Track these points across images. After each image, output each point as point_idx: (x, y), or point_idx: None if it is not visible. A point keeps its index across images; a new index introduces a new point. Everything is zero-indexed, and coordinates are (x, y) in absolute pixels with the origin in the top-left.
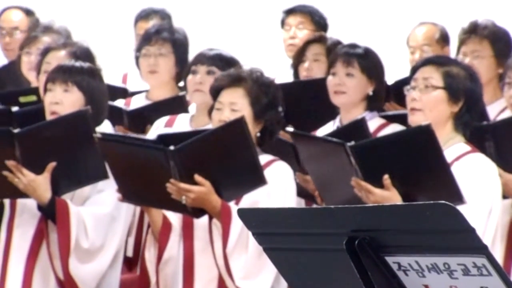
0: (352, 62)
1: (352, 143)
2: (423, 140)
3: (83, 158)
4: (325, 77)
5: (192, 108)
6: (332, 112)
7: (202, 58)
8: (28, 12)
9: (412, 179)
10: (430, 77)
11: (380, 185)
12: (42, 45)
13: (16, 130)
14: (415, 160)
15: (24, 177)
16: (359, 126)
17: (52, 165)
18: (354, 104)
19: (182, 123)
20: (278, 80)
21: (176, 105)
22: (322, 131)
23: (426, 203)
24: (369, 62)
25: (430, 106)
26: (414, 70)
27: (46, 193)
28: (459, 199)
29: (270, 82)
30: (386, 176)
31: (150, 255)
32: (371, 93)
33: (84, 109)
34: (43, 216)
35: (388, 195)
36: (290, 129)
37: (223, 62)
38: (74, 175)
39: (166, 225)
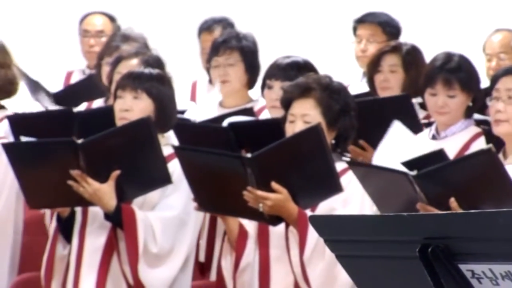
0: (453, 84)
1: (415, 172)
2: (485, 162)
3: (147, 164)
4: (407, 94)
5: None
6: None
7: (276, 72)
8: (111, 18)
9: (477, 198)
10: None
11: (446, 208)
12: (119, 54)
13: (80, 141)
14: (478, 181)
15: (89, 186)
16: (439, 156)
17: (116, 173)
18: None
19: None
20: (352, 88)
21: (245, 116)
22: (420, 137)
23: (499, 211)
24: (467, 77)
25: None
26: (495, 80)
27: (111, 201)
28: None
29: (340, 87)
30: (452, 199)
31: (226, 263)
32: (470, 104)
33: (146, 116)
34: (112, 225)
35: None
36: (346, 159)
37: (298, 70)
38: (138, 181)
39: (243, 233)
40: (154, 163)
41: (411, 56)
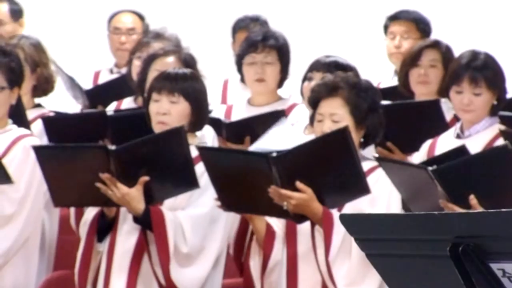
0: (480, 82)
1: (434, 167)
2: (503, 159)
3: (176, 170)
4: (436, 99)
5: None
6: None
7: (318, 65)
8: (141, 17)
9: (497, 196)
10: None
11: (466, 205)
12: (153, 50)
13: (112, 148)
14: (496, 178)
15: (118, 191)
16: (462, 152)
17: (144, 179)
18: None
19: (298, 132)
20: (383, 85)
21: (276, 118)
22: (443, 138)
23: None
24: (493, 75)
25: None
26: None
27: (139, 205)
28: None
29: (367, 85)
30: (472, 196)
31: (255, 263)
32: (495, 102)
33: (180, 126)
34: (141, 228)
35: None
36: (375, 155)
37: (339, 69)
38: (166, 185)
39: (270, 233)
40: (183, 169)
41: (450, 53)
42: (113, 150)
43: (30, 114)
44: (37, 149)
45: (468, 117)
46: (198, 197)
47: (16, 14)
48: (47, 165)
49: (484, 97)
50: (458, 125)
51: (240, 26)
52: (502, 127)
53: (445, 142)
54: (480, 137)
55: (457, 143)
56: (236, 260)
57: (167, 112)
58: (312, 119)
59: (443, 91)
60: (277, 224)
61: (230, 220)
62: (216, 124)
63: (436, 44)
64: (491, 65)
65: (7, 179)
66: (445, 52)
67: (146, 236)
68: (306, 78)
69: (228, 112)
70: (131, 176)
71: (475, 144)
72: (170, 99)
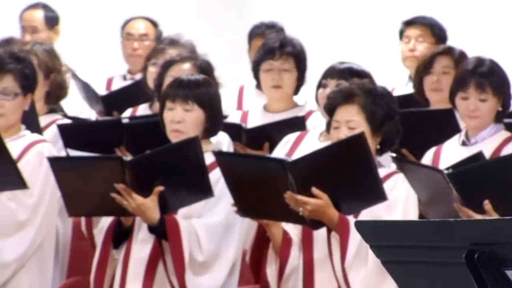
0: (486, 87)
1: (450, 170)
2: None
3: (190, 179)
4: (450, 108)
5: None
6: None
7: (333, 72)
8: (154, 24)
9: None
10: None
11: (481, 209)
12: (168, 57)
13: (127, 159)
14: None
15: (133, 201)
16: (478, 159)
17: (159, 189)
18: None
19: (311, 139)
20: (397, 92)
21: (296, 125)
22: (448, 145)
23: None
24: (498, 82)
25: None
26: None
27: (154, 215)
28: None
29: (384, 92)
30: (486, 201)
31: (271, 270)
32: (500, 109)
33: (194, 136)
34: (156, 237)
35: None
36: (393, 154)
37: (354, 75)
38: (181, 195)
39: (287, 241)
40: (197, 178)
41: (464, 60)
42: (128, 161)
43: (43, 120)
44: (52, 160)
45: (474, 123)
46: (213, 205)
47: (52, 21)
48: (62, 175)
49: (490, 103)
50: (463, 132)
51: (256, 33)
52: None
53: (450, 150)
54: (487, 144)
55: (463, 150)
56: (252, 268)
57: (182, 120)
58: (328, 126)
59: (450, 98)
60: (294, 230)
61: (245, 228)
62: (236, 129)
63: (449, 51)
64: (497, 71)
65: (22, 185)
66: (458, 59)
67: (161, 244)
68: (320, 85)
69: (244, 118)
70: (146, 186)
71: (483, 151)
72: (184, 107)
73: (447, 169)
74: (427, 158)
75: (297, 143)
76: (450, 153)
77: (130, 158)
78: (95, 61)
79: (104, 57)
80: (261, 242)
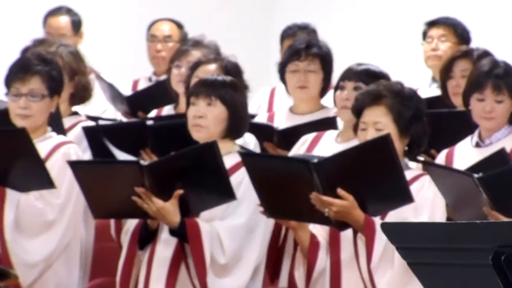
0: (502, 89)
1: (480, 174)
2: None
3: (210, 184)
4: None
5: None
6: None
7: (350, 74)
8: (179, 25)
9: None
10: None
11: (511, 213)
12: (192, 58)
13: (145, 163)
14: None
15: (153, 204)
16: (501, 156)
17: (179, 192)
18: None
19: (328, 139)
20: (421, 92)
21: (328, 125)
22: (461, 147)
23: None
24: None
25: None
26: None
27: (175, 218)
28: None
29: (412, 93)
30: None
31: (299, 273)
32: None
33: (212, 141)
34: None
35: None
36: (421, 158)
37: (371, 77)
38: (202, 198)
39: (314, 244)
40: (218, 182)
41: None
42: (145, 166)
43: (67, 122)
44: (73, 164)
45: (489, 124)
46: (235, 207)
47: (77, 25)
48: (84, 179)
49: (505, 105)
50: (476, 133)
51: (287, 34)
52: None
53: (463, 152)
54: (501, 145)
55: (476, 152)
56: (267, 268)
57: (203, 115)
58: (356, 128)
59: (464, 100)
60: (321, 233)
61: (269, 230)
62: (267, 130)
63: (468, 53)
64: (510, 71)
65: (50, 184)
66: (476, 61)
67: (183, 246)
68: (338, 87)
69: (270, 120)
70: (166, 190)
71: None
72: (206, 102)
73: (474, 171)
74: (439, 161)
75: (314, 144)
76: (463, 155)
77: (148, 162)
78: (121, 64)
79: (131, 59)
80: (274, 243)
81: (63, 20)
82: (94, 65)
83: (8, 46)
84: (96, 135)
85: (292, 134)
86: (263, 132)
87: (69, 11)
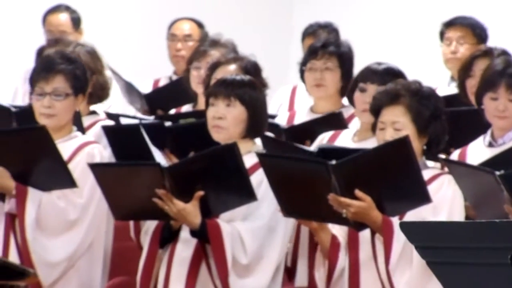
0: None
1: (502, 172)
2: None
3: (231, 184)
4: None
5: (356, 122)
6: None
7: (372, 76)
8: (199, 24)
9: None
10: None
11: None
12: (210, 59)
13: (165, 165)
14: None
15: (174, 206)
16: None
17: (199, 194)
18: None
19: (345, 138)
20: (440, 91)
21: (335, 122)
22: (473, 147)
23: None
24: None
25: None
26: None
27: (196, 219)
28: None
29: (430, 92)
30: None
31: (320, 274)
32: None
33: (232, 143)
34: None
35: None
36: (442, 156)
37: (392, 76)
38: (223, 199)
39: (335, 245)
40: (239, 183)
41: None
42: (166, 168)
43: (86, 121)
44: (93, 166)
45: (503, 123)
46: (256, 207)
47: (77, 22)
48: (104, 181)
49: None
50: (488, 133)
51: (308, 32)
52: None
53: (476, 152)
54: None
55: (490, 151)
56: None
57: (223, 116)
58: (374, 127)
59: (477, 99)
60: (340, 233)
61: (289, 230)
62: (274, 129)
63: (488, 53)
64: None
65: (72, 183)
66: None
67: (204, 246)
68: (357, 88)
69: (291, 119)
70: (187, 191)
71: None
72: (226, 102)
73: (491, 166)
74: None
75: (331, 142)
76: (476, 155)
77: (168, 164)
78: (142, 63)
79: (152, 58)
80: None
81: (63, 17)
82: (111, 64)
83: (8, 46)
84: (116, 135)
85: (299, 132)
86: (270, 130)
87: (68, 9)
